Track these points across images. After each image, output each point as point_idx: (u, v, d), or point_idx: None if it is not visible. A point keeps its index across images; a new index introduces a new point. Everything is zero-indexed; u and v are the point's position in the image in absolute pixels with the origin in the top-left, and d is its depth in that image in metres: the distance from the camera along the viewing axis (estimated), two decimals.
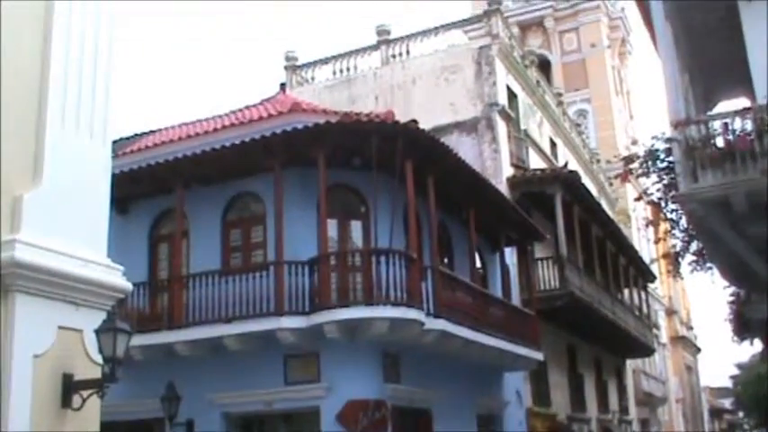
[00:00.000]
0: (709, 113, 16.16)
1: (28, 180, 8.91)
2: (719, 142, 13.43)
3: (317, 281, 18.17)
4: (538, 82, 36.45)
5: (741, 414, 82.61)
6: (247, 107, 26.17)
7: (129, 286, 9.91)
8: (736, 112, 13.72)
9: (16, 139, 8.85)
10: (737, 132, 13.27)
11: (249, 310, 18.44)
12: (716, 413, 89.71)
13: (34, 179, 8.98)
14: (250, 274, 18.73)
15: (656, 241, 23.57)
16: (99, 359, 9.05)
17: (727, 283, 19.01)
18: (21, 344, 8.31)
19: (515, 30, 48.65)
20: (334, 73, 33.25)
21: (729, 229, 13.65)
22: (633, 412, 45.19)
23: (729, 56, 15.44)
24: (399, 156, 18.59)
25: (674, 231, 16.61)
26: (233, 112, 25.93)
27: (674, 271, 19.28)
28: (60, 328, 8.83)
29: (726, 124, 13.43)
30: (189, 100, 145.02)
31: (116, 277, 9.70)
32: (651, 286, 49.06)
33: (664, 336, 57.57)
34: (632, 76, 66.73)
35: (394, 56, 32.15)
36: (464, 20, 34.69)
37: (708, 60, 16.61)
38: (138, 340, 14.82)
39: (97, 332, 8.98)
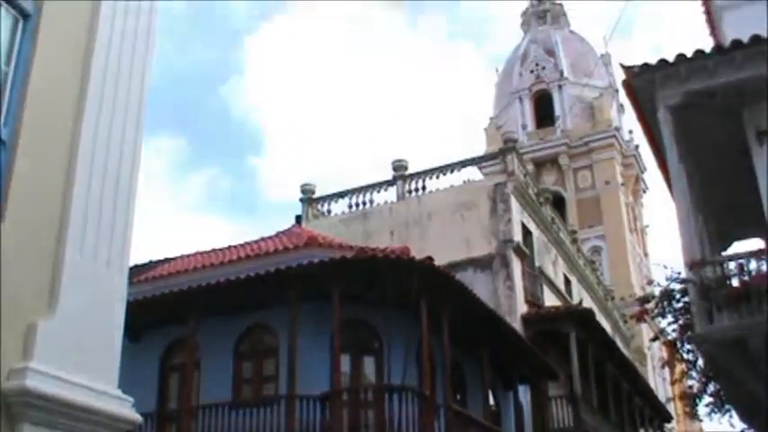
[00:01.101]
0: (724, 254, 16.16)
1: (43, 307, 8.91)
2: (735, 283, 13.39)
3: (329, 416, 17.96)
4: (552, 219, 36.61)
5: None
6: (263, 239, 26.33)
7: (138, 418, 9.79)
8: (751, 254, 13.71)
9: (33, 266, 8.89)
10: (753, 273, 13.25)
11: None
12: None
13: (49, 307, 8.97)
14: (261, 408, 18.53)
15: (673, 382, 23.27)
16: None
17: (746, 426, 18.66)
18: None
19: (530, 167, 49.15)
20: (350, 207, 33.49)
21: (747, 371, 13.48)
22: None
23: (743, 197, 15.51)
24: (414, 292, 18.59)
25: (690, 372, 16.41)
26: (248, 244, 26.09)
27: (692, 412, 18.97)
28: None
29: (741, 265, 13.41)
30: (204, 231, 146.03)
31: (126, 409, 9.60)
32: (667, 426, 48.18)
33: None
34: (647, 212, 67.05)
35: (410, 191, 32.43)
36: (480, 157, 35.21)
37: (722, 201, 16.68)
38: None
39: None
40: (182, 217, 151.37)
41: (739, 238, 18.44)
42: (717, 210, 16.65)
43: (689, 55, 14.35)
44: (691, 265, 13.68)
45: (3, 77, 8.96)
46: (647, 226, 65.91)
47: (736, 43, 14.13)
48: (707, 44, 18.10)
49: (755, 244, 17.07)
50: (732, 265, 13.60)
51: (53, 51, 9.55)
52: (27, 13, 9.15)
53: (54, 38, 9.56)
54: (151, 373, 21.19)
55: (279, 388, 19.29)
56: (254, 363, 20.74)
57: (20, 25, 9.23)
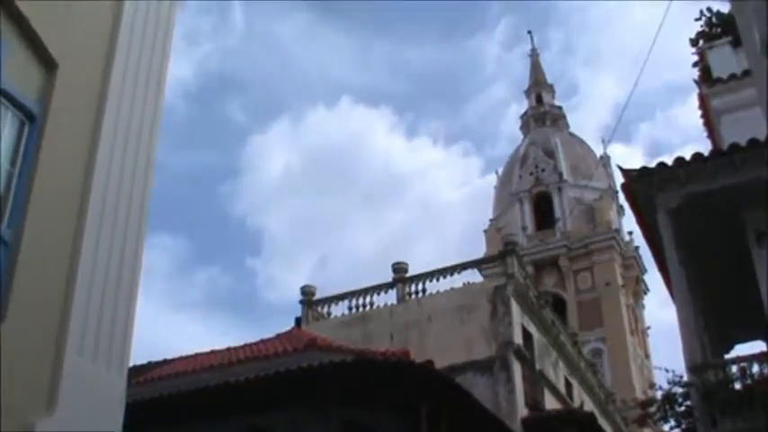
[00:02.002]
0: (727, 357, 16.09)
1: (41, 406, 8.86)
2: (738, 386, 13.32)
3: None
4: (553, 322, 36.48)
5: None
6: (263, 341, 26.27)
7: None
8: (754, 357, 13.67)
9: (32, 366, 8.86)
10: (755, 377, 13.19)
11: None
12: None
13: (48, 407, 8.92)
14: None
15: None
16: None
17: None
18: None
19: (530, 269, 49.17)
20: (350, 309, 33.38)
21: None
22: None
23: (744, 299, 15.53)
24: (414, 395, 18.47)
25: None
26: (248, 346, 26.00)
27: None
28: None
29: (743, 369, 13.36)
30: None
31: None
32: None
33: None
34: (648, 313, 66.83)
35: (410, 293, 32.37)
36: (480, 259, 35.27)
37: (723, 303, 16.69)
38: None
39: None
40: (183, 315, 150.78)
41: (741, 341, 18.39)
42: (718, 311, 16.65)
43: (687, 158, 14.53)
44: (692, 369, 13.64)
45: (8, 178, 9.05)
46: (648, 327, 65.66)
47: (735, 147, 14.32)
48: (705, 147, 18.36)
49: (757, 346, 17.03)
50: (734, 368, 13.55)
51: (58, 152, 9.67)
52: (33, 116, 9.28)
53: (59, 139, 9.68)
54: None
55: None
56: None
57: (26, 128, 9.36)
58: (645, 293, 66.53)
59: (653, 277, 62.87)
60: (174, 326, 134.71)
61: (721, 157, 14.63)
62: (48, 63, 9.51)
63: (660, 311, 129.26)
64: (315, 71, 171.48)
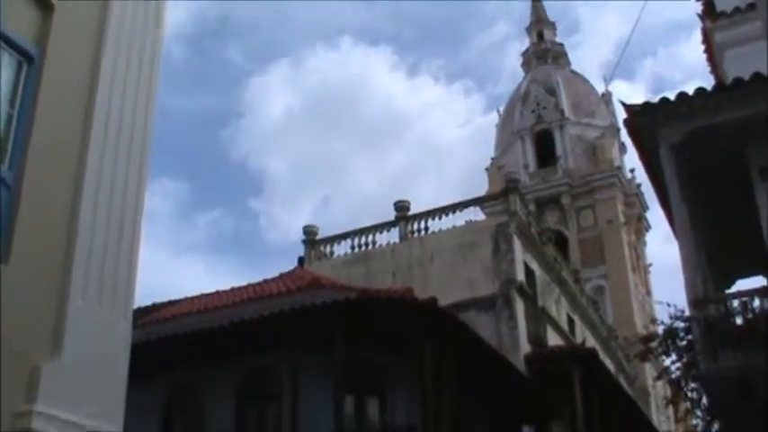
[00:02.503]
0: (728, 291, 16.13)
1: (46, 351, 8.91)
2: (739, 321, 13.37)
3: None
4: (555, 258, 36.58)
5: None
6: (266, 281, 26.32)
7: None
8: (755, 291, 13.70)
9: (37, 309, 8.90)
10: (756, 311, 13.22)
11: None
12: None
13: (53, 350, 8.96)
14: None
15: (677, 420, 23.15)
16: None
17: None
18: None
19: (532, 207, 49.16)
20: (353, 248, 33.42)
21: (751, 410, 13.42)
22: None
23: (746, 234, 15.53)
24: (417, 333, 18.56)
25: (695, 411, 16.32)
26: (252, 286, 26.07)
27: None
28: None
29: (745, 303, 13.39)
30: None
31: None
32: None
33: None
34: (649, 251, 66.93)
35: (412, 232, 32.38)
36: (482, 197, 35.25)
37: (725, 239, 16.70)
38: None
39: None
40: (187, 257, 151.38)
41: (742, 276, 18.42)
42: (720, 247, 16.67)
43: (690, 93, 14.42)
44: (694, 303, 13.67)
45: (7, 120, 9.02)
46: (650, 265, 65.84)
47: (738, 81, 14.20)
48: (709, 83, 18.21)
49: (759, 281, 17.08)
50: (736, 302, 13.58)
51: (57, 94, 9.62)
52: (30, 57, 9.23)
53: (57, 80, 9.63)
54: (155, 416, 21.10)
55: (282, 430, 19.20)
56: (259, 405, 20.67)
57: (23, 69, 9.31)
58: (647, 231, 66.56)
59: (655, 215, 63.06)
60: (177, 269, 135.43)
61: (725, 91, 14.51)
62: (44, 5, 9.45)
63: (662, 249, 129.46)
64: (314, 11, 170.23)
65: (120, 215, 10.34)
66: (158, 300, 27.64)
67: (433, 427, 18.83)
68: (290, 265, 31.07)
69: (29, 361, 8.63)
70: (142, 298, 24.28)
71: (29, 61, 9.33)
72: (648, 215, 65.70)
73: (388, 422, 19.44)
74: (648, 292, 62.74)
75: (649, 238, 67.00)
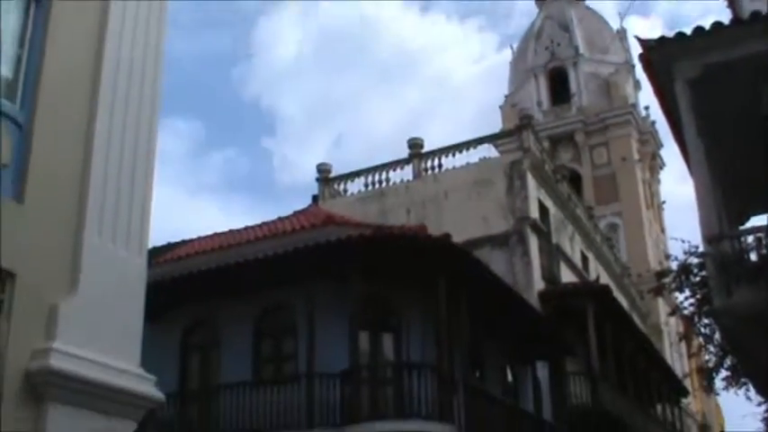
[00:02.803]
0: (742, 228, 16.10)
1: (64, 289, 8.99)
2: (753, 257, 13.36)
3: (349, 393, 18.06)
4: (569, 196, 36.50)
5: None
6: (280, 219, 26.37)
7: (161, 396, 9.91)
8: None
9: (53, 248, 8.97)
10: None
11: (280, 421, 18.32)
12: None
13: (70, 288, 9.05)
14: (281, 386, 18.65)
15: (690, 356, 23.26)
16: None
17: (762, 399, 18.67)
18: None
19: (546, 144, 48.97)
20: (366, 186, 33.38)
21: (764, 346, 13.47)
22: None
23: (761, 171, 15.45)
24: (432, 270, 18.62)
25: (707, 346, 16.39)
26: (266, 224, 26.13)
27: (708, 387, 18.97)
28: None
29: (759, 239, 13.37)
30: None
31: (149, 387, 9.70)
32: (684, 401, 48.19)
33: None
34: (663, 189, 66.72)
35: (426, 169, 32.30)
36: (495, 134, 35.12)
37: (740, 175, 16.61)
38: None
39: None
40: (200, 198, 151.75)
41: (757, 213, 18.38)
42: (735, 184, 16.59)
43: (707, 27, 14.26)
44: (709, 239, 13.65)
45: (17, 60, 9.02)
46: (663, 202, 65.73)
47: (755, 15, 14.03)
48: (725, 18, 18.01)
49: None
50: (750, 238, 13.56)
51: (66, 34, 9.60)
52: None
53: (67, 20, 9.60)
54: (172, 353, 21.28)
55: (299, 366, 19.38)
56: (274, 341, 20.87)
57: (32, 9, 9.28)
58: (661, 168, 66.32)
59: (669, 152, 62.70)
60: (192, 210, 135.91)
61: (741, 26, 14.34)
62: None
63: (676, 187, 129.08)
64: None
65: (133, 154, 10.37)
66: (173, 240, 27.79)
67: (447, 363, 18.96)
68: (303, 204, 31.12)
69: (46, 299, 8.72)
70: (159, 238, 24.46)
71: (37, 1, 9.30)
72: (663, 153, 65.51)
73: (403, 358, 19.57)
74: (662, 230, 62.67)
75: (663, 176, 66.81)
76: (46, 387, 8.36)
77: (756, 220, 18.20)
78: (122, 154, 10.19)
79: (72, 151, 9.52)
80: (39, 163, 8.88)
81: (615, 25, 65.16)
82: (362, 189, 33.51)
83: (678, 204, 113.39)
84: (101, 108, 9.86)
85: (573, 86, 62.07)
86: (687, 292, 15.18)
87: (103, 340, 9.18)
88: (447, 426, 17.95)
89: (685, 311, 15.87)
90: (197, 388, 20.58)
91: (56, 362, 8.39)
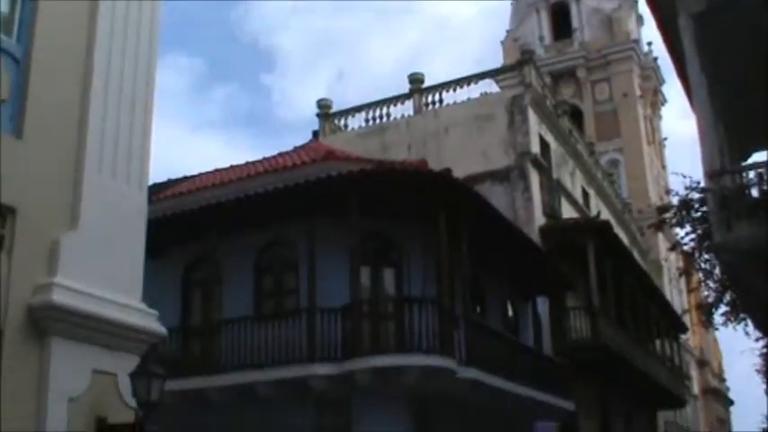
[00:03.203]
0: (744, 164, 16.07)
1: (65, 224, 9.00)
2: (754, 192, 13.34)
3: (350, 328, 18.16)
4: (570, 131, 36.39)
5: None
6: (281, 154, 26.32)
7: (163, 331, 9.96)
8: None
9: (54, 184, 8.95)
10: None
11: (282, 356, 18.45)
12: None
13: (71, 224, 9.06)
14: (282, 321, 18.75)
15: (690, 291, 23.37)
16: (132, 403, 9.07)
17: (760, 335, 18.79)
18: (56, 387, 8.36)
19: (547, 79, 48.71)
20: (367, 121, 33.25)
21: (764, 280, 13.51)
22: None
23: (764, 107, 15.38)
24: (432, 204, 18.62)
25: (707, 282, 16.46)
26: (267, 159, 26.08)
27: (707, 322, 19.09)
28: (95, 371, 8.87)
29: (761, 174, 13.34)
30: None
31: (151, 322, 9.76)
32: (682, 337, 48.57)
33: (695, 387, 56.87)
34: (665, 125, 66.54)
35: (427, 104, 32.14)
36: (497, 69, 34.89)
37: (742, 111, 16.52)
38: (170, 386, 14.80)
39: (132, 376, 8.99)
40: (201, 134, 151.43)
41: (759, 149, 18.34)
42: (737, 120, 16.50)
43: None
44: (710, 175, 13.62)
45: None
46: (665, 138, 65.59)
47: None
48: None
49: None
50: (752, 174, 13.53)
51: None
52: None
53: None
54: (174, 289, 21.38)
55: (300, 301, 19.46)
56: (275, 277, 20.93)
57: None
58: (662, 104, 66.11)
59: (671, 88, 62.39)
60: (192, 146, 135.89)
61: None
62: None
63: (677, 123, 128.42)
64: None
65: (132, 89, 10.31)
66: (174, 176, 27.73)
67: (448, 298, 19.03)
68: (304, 140, 31.03)
69: (48, 234, 8.72)
70: (158, 175, 24.39)
71: None
72: (665, 89, 65.22)
73: (404, 293, 19.65)
74: (663, 167, 62.63)
75: (665, 112, 66.55)
76: (48, 322, 8.40)
77: (758, 156, 18.17)
78: (121, 88, 10.13)
79: (71, 86, 9.46)
80: (37, 98, 8.84)
81: None
82: (363, 124, 33.40)
83: (679, 141, 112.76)
84: (98, 42, 9.78)
85: (575, 22, 61.59)
86: (688, 228, 15.23)
87: (105, 275, 9.20)
88: (448, 360, 18.06)
89: (685, 247, 15.92)
90: (199, 324, 20.68)
91: (58, 296, 8.42)
